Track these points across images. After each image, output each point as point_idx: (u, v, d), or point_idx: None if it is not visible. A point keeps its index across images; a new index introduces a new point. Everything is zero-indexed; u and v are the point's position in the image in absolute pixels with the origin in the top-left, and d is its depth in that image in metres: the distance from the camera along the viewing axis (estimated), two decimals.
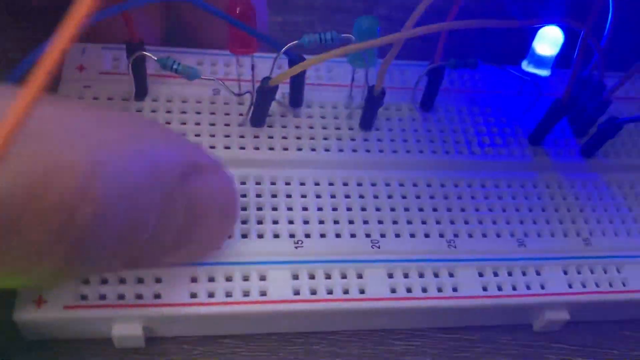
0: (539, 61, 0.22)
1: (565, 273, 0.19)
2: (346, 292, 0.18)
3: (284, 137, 0.21)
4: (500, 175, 0.21)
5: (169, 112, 0.21)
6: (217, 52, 0.22)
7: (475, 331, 0.20)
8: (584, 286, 0.19)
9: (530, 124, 0.23)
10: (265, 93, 0.19)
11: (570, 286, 0.19)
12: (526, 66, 0.22)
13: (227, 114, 0.21)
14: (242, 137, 0.20)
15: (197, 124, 0.20)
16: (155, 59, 0.18)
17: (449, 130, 0.22)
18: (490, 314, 0.19)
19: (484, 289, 0.19)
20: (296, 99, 0.21)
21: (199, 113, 0.21)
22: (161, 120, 0.20)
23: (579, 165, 0.22)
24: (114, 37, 0.20)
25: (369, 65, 0.20)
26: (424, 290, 0.18)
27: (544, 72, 0.22)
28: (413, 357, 0.19)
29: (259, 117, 0.20)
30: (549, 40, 0.21)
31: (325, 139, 0.21)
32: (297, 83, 0.21)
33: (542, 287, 0.19)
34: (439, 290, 0.18)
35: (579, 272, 0.20)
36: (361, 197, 0.20)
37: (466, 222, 0.20)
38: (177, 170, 0.13)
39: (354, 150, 0.21)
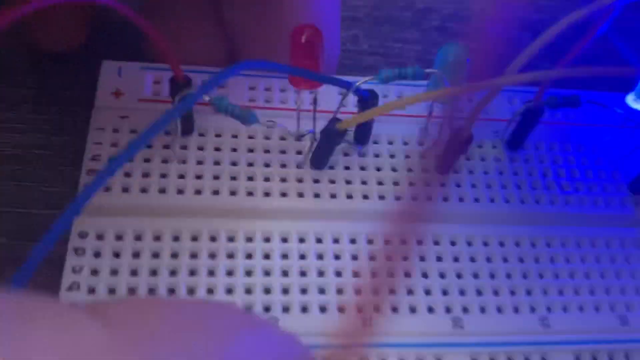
0: None
1: None
2: None
3: (348, 182, 0.18)
4: (598, 231, 0.18)
5: (217, 149, 0.18)
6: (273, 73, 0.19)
7: None
8: None
9: (632, 169, 0.19)
10: (332, 136, 0.17)
11: None
12: (632, 101, 0.19)
13: (282, 152, 0.18)
14: (300, 181, 0.18)
15: (250, 164, 0.18)
16: (208, 99, 0.16)
17: (537, 173, 0.19)
18: None
19: None
20: (363, 136, 0.18)
21: (251, 151, 0.18)
22: (209, 160, 0.17)
23: None
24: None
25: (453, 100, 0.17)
26: None
27: None
28: None
29: (320, 160, 0.18)
30: None
31: (395, 183, 0.18)
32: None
33: None
34: None
35: None
36: (439, 259, 0.17)
37: (560, 293, 0.17)
38: None
39: (429, 198, 0.18)
